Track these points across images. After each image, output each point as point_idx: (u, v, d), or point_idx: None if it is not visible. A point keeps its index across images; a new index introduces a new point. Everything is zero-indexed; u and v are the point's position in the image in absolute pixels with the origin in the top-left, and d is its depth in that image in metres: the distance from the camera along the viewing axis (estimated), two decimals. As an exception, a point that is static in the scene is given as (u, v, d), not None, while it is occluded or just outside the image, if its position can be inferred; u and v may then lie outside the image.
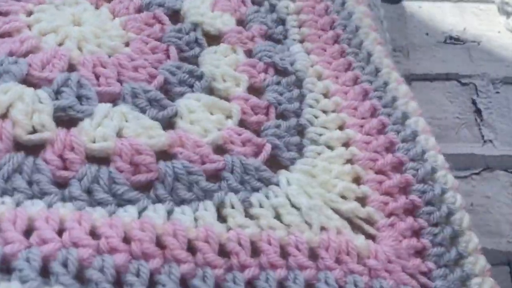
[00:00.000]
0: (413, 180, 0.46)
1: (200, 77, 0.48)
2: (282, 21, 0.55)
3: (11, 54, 0.44)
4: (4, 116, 0.40)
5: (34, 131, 0.40)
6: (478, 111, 0.72)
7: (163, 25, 0.51)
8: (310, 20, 0.55)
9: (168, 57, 0.49)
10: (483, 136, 0.71)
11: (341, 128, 0.48)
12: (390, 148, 0.47)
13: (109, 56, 0.47)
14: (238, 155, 0.43)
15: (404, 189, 0.46)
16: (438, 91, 0.73)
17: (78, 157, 0.40)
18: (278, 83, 0.49)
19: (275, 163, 0.45)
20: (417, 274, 0.43)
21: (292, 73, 0.50)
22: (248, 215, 0.41)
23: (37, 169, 0.38)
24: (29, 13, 0.49)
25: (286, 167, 0.45)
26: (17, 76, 0.42)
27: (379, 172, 0.46)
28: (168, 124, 0.44)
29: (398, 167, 0.46)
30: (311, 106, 0.49)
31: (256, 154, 0.44)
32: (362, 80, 0.51)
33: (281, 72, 0.50)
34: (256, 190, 0.42)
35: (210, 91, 0.48)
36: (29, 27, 0.48)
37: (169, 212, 0.39)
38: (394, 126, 0.48)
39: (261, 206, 0.41)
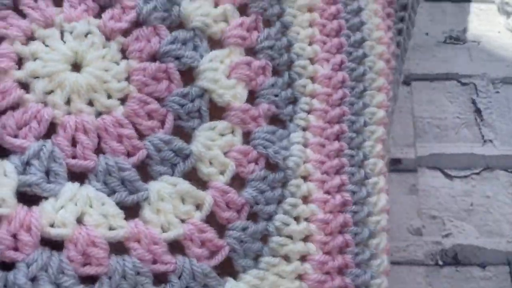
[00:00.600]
0: None
1: (186, 157, 0.45)
2: (294, 100, 0.51)
3: None
4: None
5: None
6: (478, 111, 0.72)
7: (171, 83, 0.46)
8: (321, 111, 0.51)
9: (163, 125, 0.45)
10: (483, 136, 0.71)
11: (306, 239, 0.47)
12: (342, 270, 0.47)
13: (98, 115, 0.44)
14: (192, 256, 0.42)
15: None
16: (438, 91, 0.73)
17: (32, 240, 0.38)
18: (264, 179, 0.47)
19: (228, 266, 0.44)
20: None
21: (282, 169, 0.48)
22: None
23: None
24: (29, 37, 0.45)
25: (236, 273, 0.44)
26: None
27: None
28: (136, 205, 0.43)
29: None
30: (285, 213, 0.47)
31: (212, 255, 0.43)
32: (347, 189, 0.49)
33: (271, 166, 0.48)
34: None
35: (193, 169, 0.46)
36: (21, 61, 0.44)
37: None
38: (356, 248, 0.47)
39: None
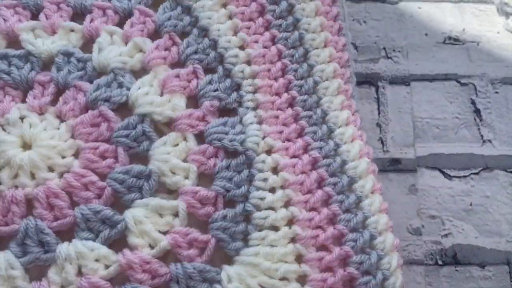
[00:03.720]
0: (352, 252, 0.48)
1: (148, 177, 0.49)
2: (237, 86, 0.55)
3: None
4: None
5: None
6: (477, 111, 0.73)
7: (110, 123, 0.51)
8: (265, 86, 0.54)
9: (117, 159, 0.50)
10: (482, 136, 0.71)
11: (287, 205, 0.50)
12: (332, 220, 0.49)
13: (61, 176, 0.49)
14: (185, 258, 0.46)
15: (344, 261, 0.48)
16: (437, 91, 0.73)
17: None
18: (228, 167, 0.50)
19: (221, 254, 0.48)
20: None
21: (242, 152, 0.51)
22: None
23: None
24: None
25: (231, 258, 0.48)
26: None
27: (320, 248, 0.48)
28: (122, 237, 0.47)
29: (339, 239, 0.49)
30: (258, 188, 0.50)
31: (202, 252, 0.47)
32: (313, 147, 0.52)
33: (231, 153, 0.51)
34: None
35: (161, 185, 0.50)
36: None
37: None
38: (338, 196, 0.50)
39: None
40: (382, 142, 0.70)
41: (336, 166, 0.51)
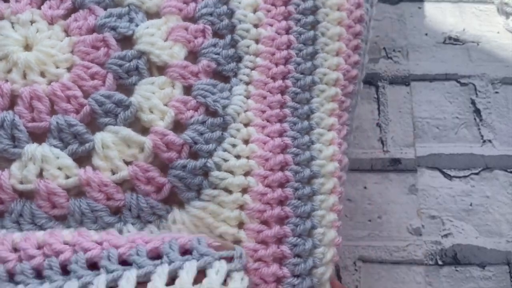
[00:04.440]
0: (290, 233, 0.49)
1: (126, 108, 0.51)
2: (238, 59, 0.56)
3: None
4: None
5: None
6: (477, 111, 0.73)
7: (109, 50, 0.53)
8: (264, 67, 0.55)
9: (104, 84, 0.52)
10: (482, 136, 0.71)
11: (246, 174, 0.51)
12: (283, 202, 0.51)
13: (49, 83, 0.52)
14: (141, 192, 0.49)
15: (280, 240, 0.49)
16: (437, 91, 0.73)
17: (8, 196, 0.48)
18: (203, 122, 0.52)
19: (175, 197, 0.50)
20: None
21: (221, 115, 0.52)
22: None
23: None
24: None
25: (182, 203, 0.50)
26: None
27: (263, 222, 0.50)
28: (88, 155, 0.50)
29: (283, 220, 0.50)
30: (224, 150, 0.51)
31: (158, 191, 0.50)
32: (288, 135, 0.53)
33: (211, 113, 0.53)
34: (149, 222, 0.49)
35: (136, 120, 0.52)
36: None
37: None
38: (296, 183, 0.51)
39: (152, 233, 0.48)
40: (382, 142, 0.70)
41: (303, 158, 0.52)
